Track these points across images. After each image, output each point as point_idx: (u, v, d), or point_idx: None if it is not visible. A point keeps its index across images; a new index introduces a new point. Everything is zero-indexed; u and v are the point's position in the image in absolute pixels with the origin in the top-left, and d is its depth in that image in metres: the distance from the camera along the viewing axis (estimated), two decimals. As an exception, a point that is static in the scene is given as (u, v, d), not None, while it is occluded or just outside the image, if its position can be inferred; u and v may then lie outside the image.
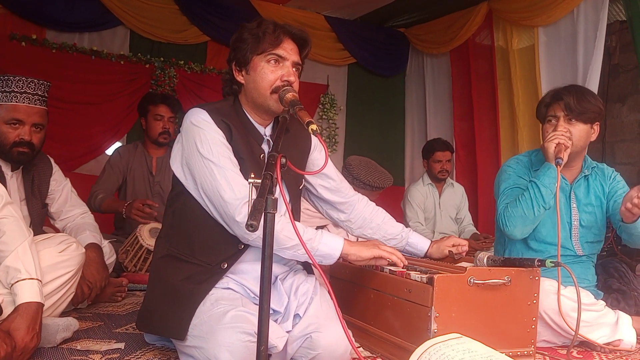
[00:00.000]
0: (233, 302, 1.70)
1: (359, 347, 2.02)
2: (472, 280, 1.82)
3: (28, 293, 1.78)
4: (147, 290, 1.94)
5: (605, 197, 2.45)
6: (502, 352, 1.49)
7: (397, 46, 6.03)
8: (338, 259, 1.81)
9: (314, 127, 1.55)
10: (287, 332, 1.74)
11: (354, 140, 5.86)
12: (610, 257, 3.03)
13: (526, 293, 1.92)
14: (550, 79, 4.34)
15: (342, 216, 2.17)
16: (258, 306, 1.24)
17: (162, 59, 4.94)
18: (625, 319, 2.29)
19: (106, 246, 2.71)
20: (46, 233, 2.42)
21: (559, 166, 2.25)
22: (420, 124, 5.97)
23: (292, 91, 1.76)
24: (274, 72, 1.82)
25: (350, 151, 5.44)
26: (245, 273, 1.82)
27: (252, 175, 1.33)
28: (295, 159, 1.89)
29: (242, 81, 1.87)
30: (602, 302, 2.35)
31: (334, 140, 5.77)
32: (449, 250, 2.18)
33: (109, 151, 4.66)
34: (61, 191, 2.64)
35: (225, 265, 1.79)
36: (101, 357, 1.85)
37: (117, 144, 4.72)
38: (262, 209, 1.19)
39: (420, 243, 2.21)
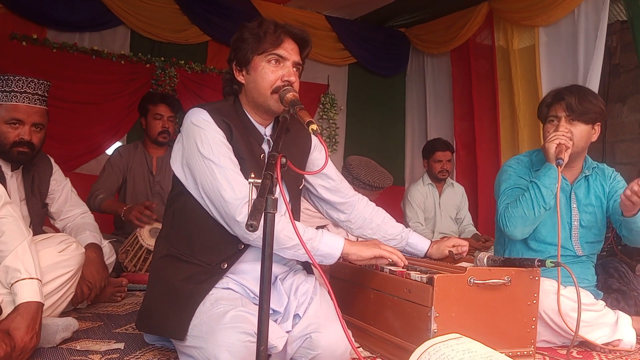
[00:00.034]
0: (233, 302, 1.70)
1: (358, 347, 2.01)
2: (472, 280, 1.82)
3: (28, 293, 1.77)
4: (146, 290, 1.94)
5: (606, 197, 2.45)
6: (502, 352, 1.48)
7: (398, 46, 6.03)
8: (338, 259, 1.81)
9: (314, 127, 1.55)
10: (287, 332, 1.74)
11: (354, 140, 5.86)
12: (610, 257, 3.03)
13: (526, 293, 1.92)
14: (551, 79, 4.34)
15: (342, 216, 2.17)
16: (258, 306, 1.24)
17: (162, 58, 4.94)
18: (625, 319, 2.29)
19: (106, 246, 2.71)
20: (46, 233, 2.42)
21: (559, 167, 2.25)
22: (421, 123, 5.97)
23: (292, 91, 1.76)
24: (274, 72, 1.82)
25: (351, 151, 5.44)
26: (245, 273, 1.82)
27: (252, 175, 1.33)
28: (296, 158, 1.89)
29: (243, 81, 1.87)
30: (602, 302, 2.35)
31: (334, 140, 5.77)
32: (449, 251, 2.18)
33: (109, 151, 4.65)
34: (61, 191, 2.64)
35: (225, 266, 1.78)
36: (101, 357, 1.85)
37: (118, 144, 4.72)
38: (262, 208, 1.19)
39: (420, 243, 2.21)
